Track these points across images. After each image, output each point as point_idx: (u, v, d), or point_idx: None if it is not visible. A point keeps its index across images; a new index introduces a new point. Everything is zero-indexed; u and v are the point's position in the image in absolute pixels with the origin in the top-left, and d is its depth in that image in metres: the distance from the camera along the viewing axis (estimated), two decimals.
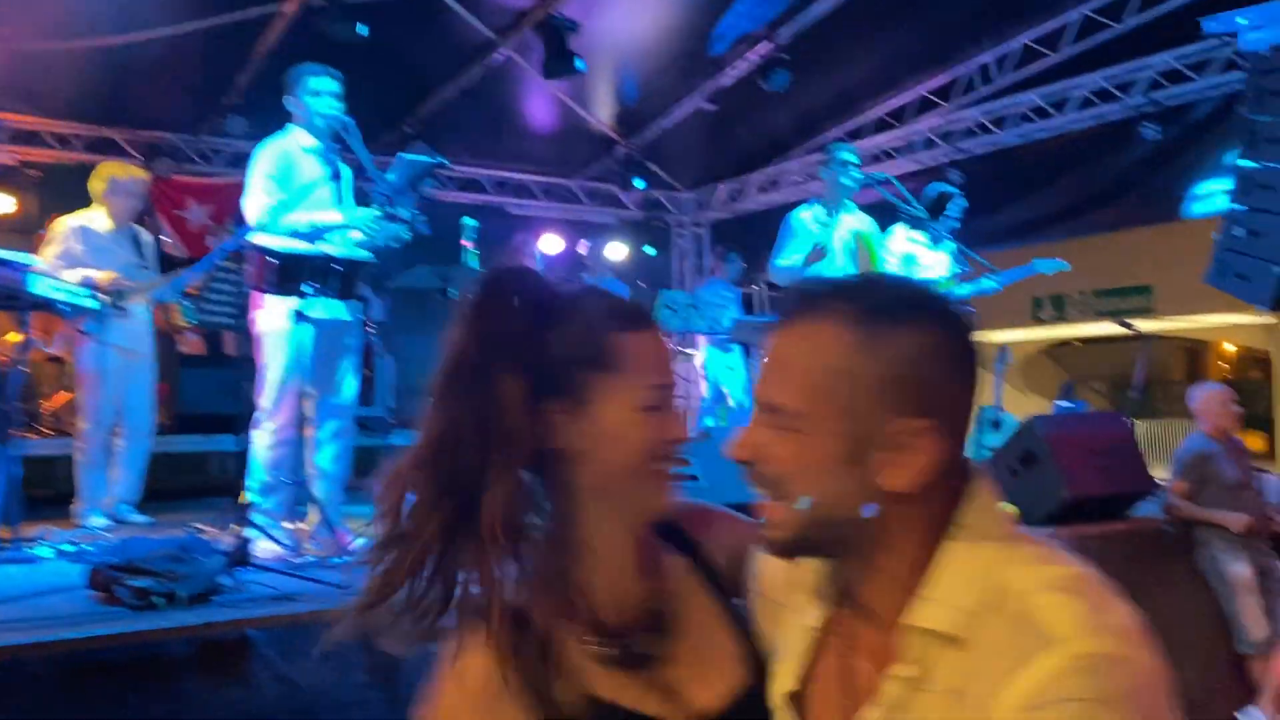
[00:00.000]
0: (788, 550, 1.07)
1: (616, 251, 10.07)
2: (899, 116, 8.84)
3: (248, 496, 3.81)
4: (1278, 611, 4.66)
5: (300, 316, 3.65)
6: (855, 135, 9.17)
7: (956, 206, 5.99)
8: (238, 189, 8.22)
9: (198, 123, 7.99)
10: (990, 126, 8.06)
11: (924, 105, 8.63)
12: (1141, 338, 6.58)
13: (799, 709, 1.10)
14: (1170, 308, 17.43)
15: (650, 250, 10.92)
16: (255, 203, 3.89)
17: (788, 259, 5.39)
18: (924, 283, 1.12)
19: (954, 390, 1.02)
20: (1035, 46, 7.62)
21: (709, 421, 7.63)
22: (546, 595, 1.16)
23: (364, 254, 3.89)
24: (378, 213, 3.75)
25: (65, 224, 4.84)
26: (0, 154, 7.52)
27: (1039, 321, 20.94)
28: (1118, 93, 7.20)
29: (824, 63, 8.22)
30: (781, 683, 1.12)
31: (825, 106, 9.05)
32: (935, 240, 6.11)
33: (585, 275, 8.40)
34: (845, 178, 5.38)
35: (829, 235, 5.38)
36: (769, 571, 1.20)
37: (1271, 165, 5.39)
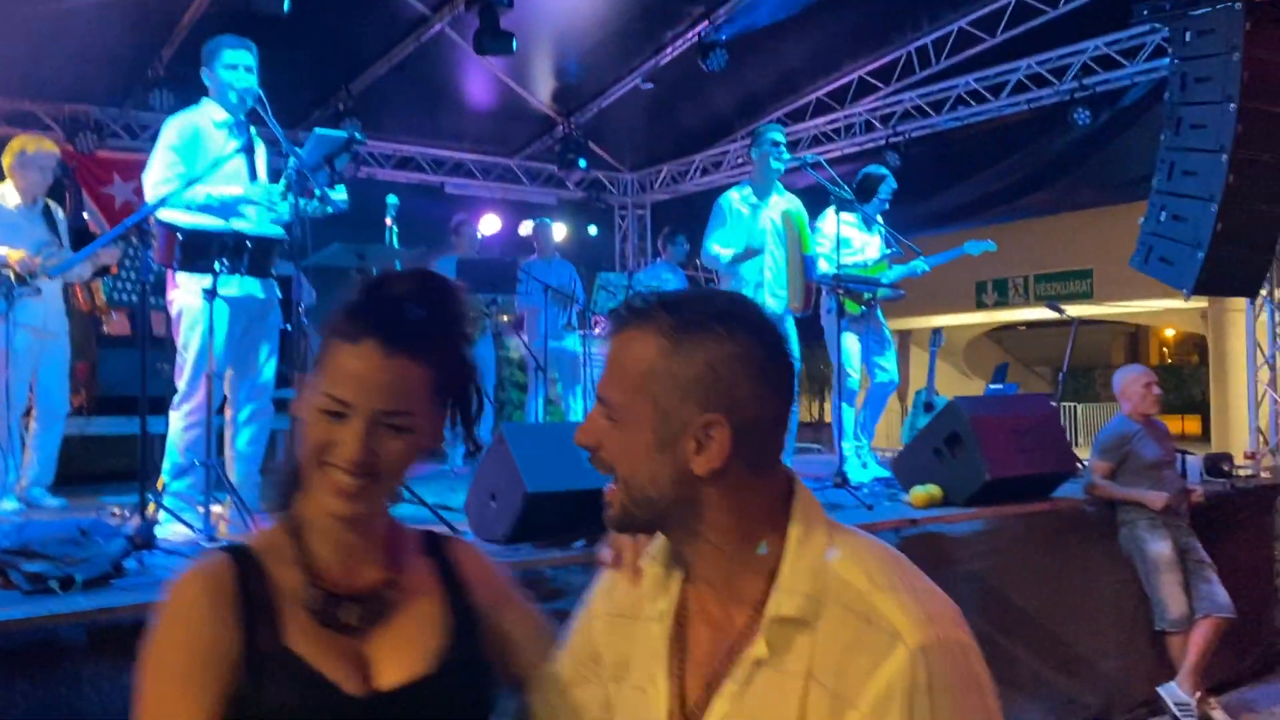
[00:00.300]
0: (619, 525, 1.24)
1: (557, 232, 9.97)
2: (839, 99, 8.85)
3: (163, 478, 3.72)
4: (1197, 589, 4.75)
5: (212, 294, 3.55)
6: (796, 117, 9.20)
7: (887, 189, 6.01)
8: None
9: (123, 96, 7.77)
10: (928, 110, 8.09)
11: (863, 88, 8.66)
12: (1070, 322, 6.65)
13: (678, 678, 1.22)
14: (1109, 293, 17.76)
15: (594, 230, 10.88)
16: (153, 177, 3.78)
17: (719, 247, 5.37)
18: (738, 297, 1.24)
19: (752, 390, 1.16)
20: (972, 30, 7.65)
21: None
22: (277, 544, 1.32)
23: (277, 231, 3.79)
24: (281, 187, 3.65)
25: None
26: None
27: (982, 306, 21.18)
28: (1051, 78, 7.26)
29: (764, 44, 8.22)
30: (646, 665, 1.24)
31: (766, 88, 9.05)
32: (867, 223, 6.13)
33: (536, 256, 8.31)
34: (774, 159, 5.37)
35: (758, 217, 5.37)
36: (616, 591, 1.34)
37: (1196, 150, 5.47)
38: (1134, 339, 29.59)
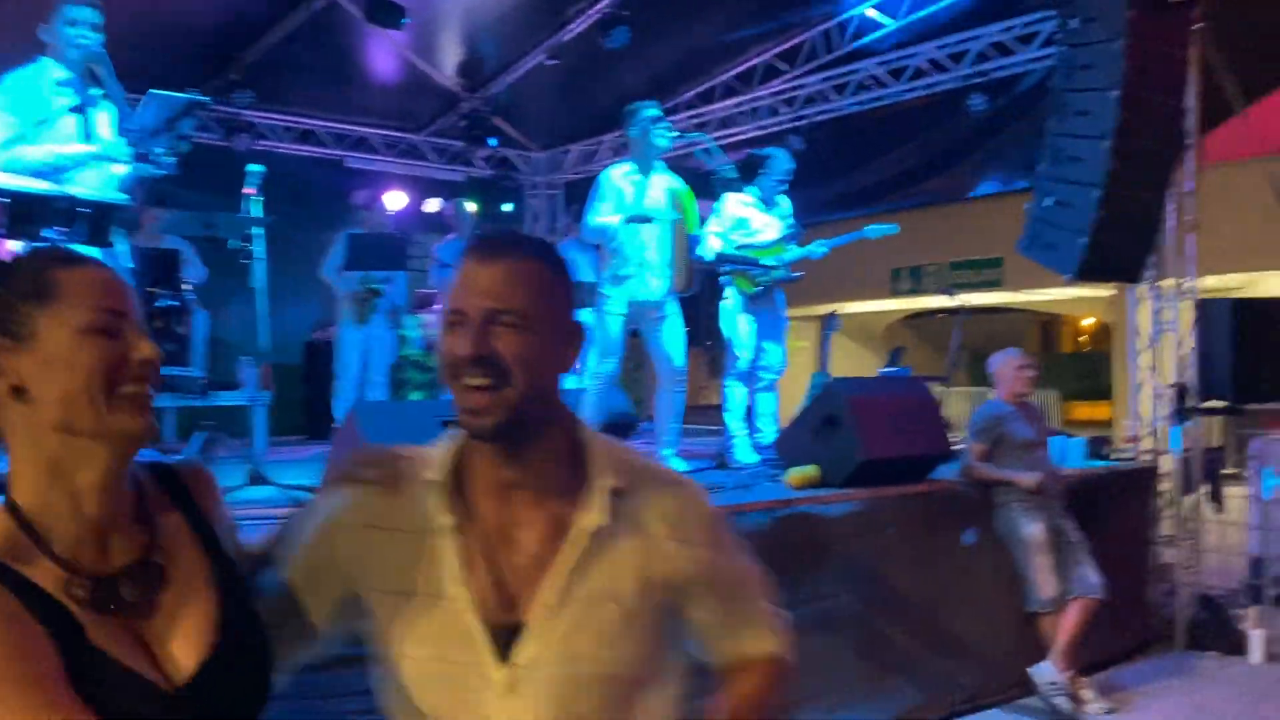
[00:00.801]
0: (502, 431, 1.31)
1: (469, 207, 9.81)
2: (747, 81, 8.83)
3: None
4: (1069, 570, 4.81)
5: None
6: (705, 99, 9.16)
7: (780, 168, 5.97)
8: None
9: None
10: (831, 95, 8.10)
11: (770, 72, 8.64)
12: (960, 310, 6.72)
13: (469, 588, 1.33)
14: (1020, 281, 18.07)
15: (509, 207, 10.74)
16: None
17: (602, 217, 5.28)
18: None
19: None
20: (875, 16, 7.68)
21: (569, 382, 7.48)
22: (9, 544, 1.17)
23: (118, 196, 3.61)
24: (123, 144, 3.47)
25: None
26: None
27: (897, 293, 21.46)
28: (949, 63, 7.30)
29: (672, 25, 8.16)
30: (433, 575, 1.33)
31: (675, 69, 8.99)
32: (767, 204, 6.10)
33: (453, 235, 8.15)
34: (655, 135, 5.28)
35: (642, 195, 5.29)
36: (371, 505, 1.40)
37: (1081, 136, 5.53)
38: (1047, 326, 30.26)
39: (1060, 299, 20.96)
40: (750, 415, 6.12)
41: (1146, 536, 6.00)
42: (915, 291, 20.46)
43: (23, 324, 1.17)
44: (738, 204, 6.03)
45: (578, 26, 7.72)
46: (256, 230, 4.23)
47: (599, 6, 7.39)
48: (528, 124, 9.96)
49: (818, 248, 6.06)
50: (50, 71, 3.74)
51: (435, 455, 1.39)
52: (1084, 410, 24.21)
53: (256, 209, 4.27)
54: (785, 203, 6.19)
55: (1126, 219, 5.55)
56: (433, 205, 9.29)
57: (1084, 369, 22.63)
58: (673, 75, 9.07)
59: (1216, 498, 6.22)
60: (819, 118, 8.20)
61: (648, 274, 5.28)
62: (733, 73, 8.85)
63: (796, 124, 8.20)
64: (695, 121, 9.24)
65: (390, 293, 7.47)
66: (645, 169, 5.35)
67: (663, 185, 5.27)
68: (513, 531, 1.36)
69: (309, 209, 8.59)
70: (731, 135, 8.89)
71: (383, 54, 8.30)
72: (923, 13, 7.38)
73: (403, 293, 7.83)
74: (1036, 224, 5.73)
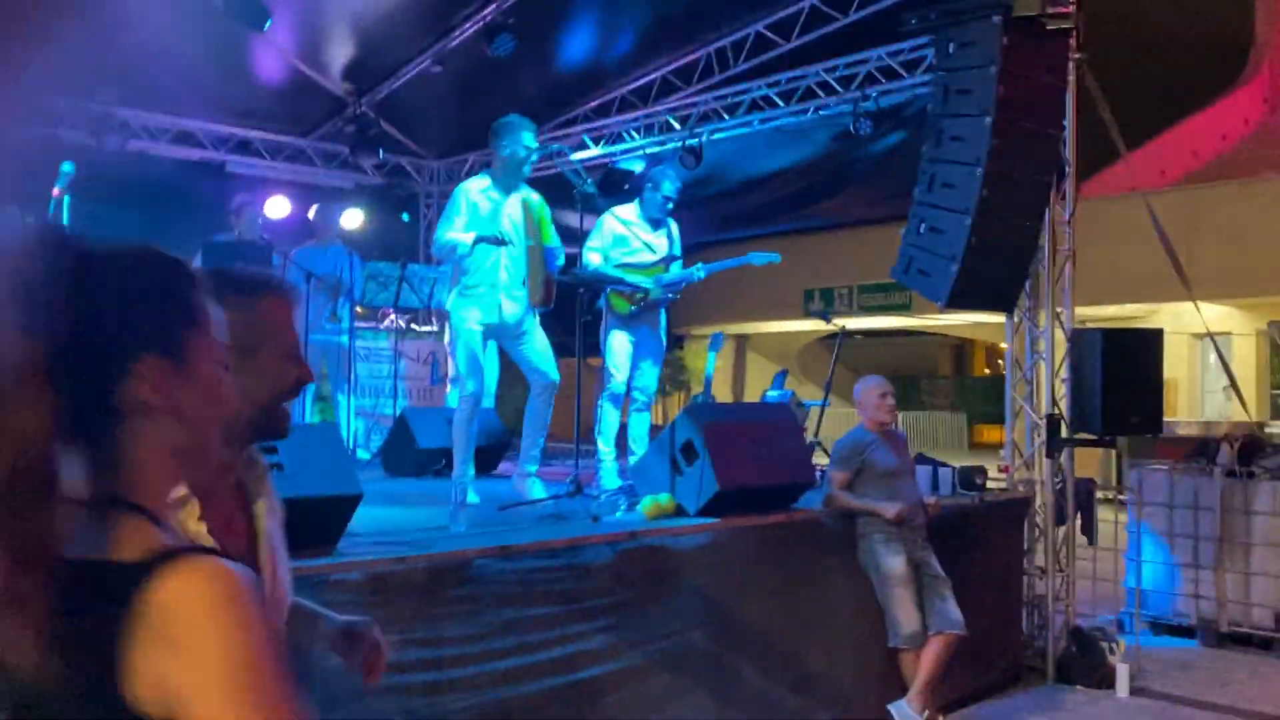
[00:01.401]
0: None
1: (352, 219, 9.49)
2: (643, 97, 8.69)
3: None
4: (931, 605, 4.70)
5: None
6: (602, 112, 9.01)
7: (669, 187, 5.81)
8: None
9: None
10: (723, 113, 8.00)
11: (666, 88, 8.52)
12: (841, 334, 6.65)
13: None
14: (927, 305, 18.26)
15: (405, 217, 10.43)
16: None
17: (453, 234, 5.06)
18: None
19: None
20: (768, 34, 7.60)
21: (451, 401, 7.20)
22: None
23: None
24: None
25: None
26: None
27: (810, 315, 21.50)
28: (838, 86, 7.24)
29: (569, 36, 8.01)
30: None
31: (572, 81, 8.83)
32: (653, 224, 5.94)
33: (314, 241, 7.81)
34: (517, 148, 5.10)
35: (499, 212, 5.09)
36: None
37: (955, 162, 5.46)
38: (960, 350, 30.76)
39: (964, 324, 21.32)
40: (623, 437, 5.94)
41: (1019, 568, 5.94)
42: (828, 313, 20.70)
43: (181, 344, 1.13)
44: (618, 221, 5.86)
45: (464, 33, 7.49)
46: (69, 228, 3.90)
47: (484, 13, 7.17)
48: (423, 132, 9.70)
49: (697, 271, 5.93)
50: None
51: None
52: (993, 434, 24.61)
53: (64, 211, 3.95)
54: (672, 224, 6.03)
55: (999, 247, 5.49)
56: (312, 212, 8.94)
57: (994, 393, 23.02)
58: (570, 87, 8.91)
59: (1088, 529, 6.20)
60: (712, 136, 8.08)
61: (501, 295, 5.07)
62: (629, 87, 8.70)
63: (689, 142, 8.07)
64: (593, 134, 9.08)
65: None
66: (507, 186, 5.15)
67: (519, 202, 5.07)
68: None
69: (189, 214, 8.22)
70: (627, 151, 8.74)
71: (262, 54, 7.97)
72: (815, 34, 7.30)
73: None
74: (910, 250, 5.65)
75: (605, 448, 5.82)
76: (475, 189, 5.17)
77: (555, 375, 5.20)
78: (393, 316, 8.25)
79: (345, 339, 7.12)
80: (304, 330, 7.16)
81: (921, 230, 5.63)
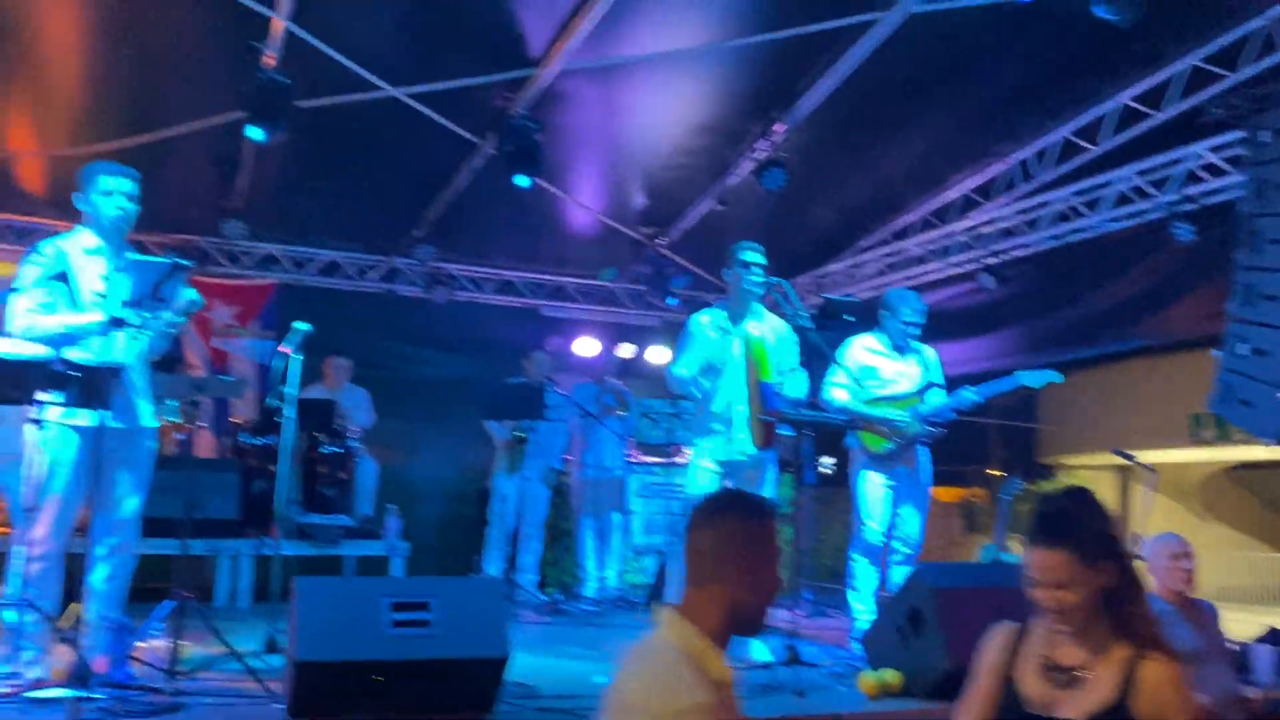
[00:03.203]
0: None
1: (660, 355, 9.65)
2: (943, 216, 8.15)
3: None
4: None
5: (48, 424, 3.49)
6: (901, 235, 8.57)
7: (910, 312, 5.31)
8: (261, 291, 8.43)
9: (207, 227, 8.21)
10: (1025, 228, 7.28)
11: (966, 205, 7.93)
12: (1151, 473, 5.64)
13: None
14: None
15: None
16: (17, 307, 3.74)
17: (679, 368, 4.89)
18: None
19: None
20: (1073, 140, 6.86)
21: None
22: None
23: (116, 358, 3.66)
24: (133, 313, 3.53)
25: None
26: None
27: (1200, 441, 18.91)
28: (1151, 189, 6.32)
29: (864, 158, 7.74)
30: None
31: (868, 205, 8.51)
32: (900, 350, 5.45)
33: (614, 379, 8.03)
34: (747, 281, 4.86)
35: (727, 342, 4.84)
36: None
37: (1277, 270, 4.51)
38: None
39: None
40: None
41: None
42: (1222, 440, 17.94)
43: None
44: (864, 351, 5.42)
45: (740, 170, 7.44)
46: (289, 390, 4.19)
47: (754, 150, 7.09)
48: (716, 267, 9.77)
49: (968, 395, 5.29)
50: (82, 239, 3.93)
51: None
52: None
53: (294, 369, 4.24)
54: (926, 349, 5.50)
55: None
56: (626, 351, 9.20)
57: None
58: (865, 210, 8.59)
59: None
60: (1015, 253, 7.37)
61: (734, 432, 4.79)
62: (929, 208, 8.21)
63: (988, 261, 7.42)
64: (888, 261, 8.63)
65: (544, 444, 7.38)
66: (738, 315, 4.92)
67: (752, 331, 4.81)
68: None
69: (502, 357, 8.75)
70: (923, 275, 8.20)
71: (574, 212, 8.45)
72: (1127, 135, 6.48)
73: (561, 445, 7.73)
74: (1229, 376, 4.68)
75: (860, 606, 5.25)
76: (705, 321, 5.01)
77: None
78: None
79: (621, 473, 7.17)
80: (582, 466, 7.32)
81: (1242, 352, 4.66)
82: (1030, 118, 7.08)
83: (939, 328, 8.02)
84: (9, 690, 3.46)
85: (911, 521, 5.33)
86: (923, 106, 6.92)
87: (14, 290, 3.74)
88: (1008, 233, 7.47)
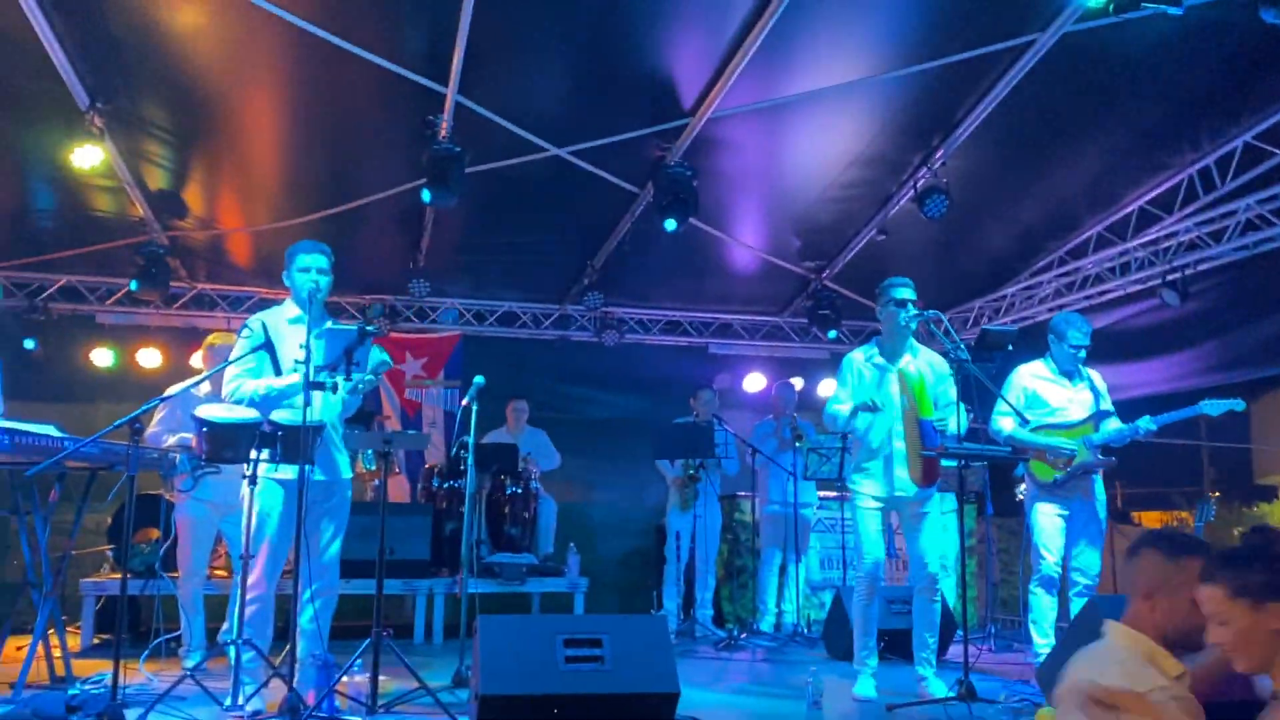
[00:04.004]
0: None
1: (830, 388, 9.64)
2: (1119, 233, 7.85)
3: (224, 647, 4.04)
4: None
5: (251, 480, 3.90)
6: (1077, 254, 8.29)
7: (1077, 336, 5.18)
8: (447, 343, 8.95)
9: (405, 284, 8.79)
10: (1209, 240, 6.93)
11: (1144, 219, 7.62)
12: None
13: None
14: None
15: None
16: (228, 374, 4.19)
17: (836, 404, 4.93)
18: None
19: None
20: (1257, 144, 6.52)
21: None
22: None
23: (316, 418, 4.02)
24: (326, 376, 3.90)
25: (170, 392, 5.48)
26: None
27: None
28: None
29: (1031, 179, 7.57)
30: None
31: (1041, 225, 8.28)
32: (1069, 375, 5.31)
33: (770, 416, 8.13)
34: (901, 317, 4.86)
35: (885, 380, 4.84)
36: None
37: None
38: None
39: None
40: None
41: None
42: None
43: None
44: (1031, 378, 5.31)
45: (901, 200, 7.42)
46: (469, 439, 4.49)
47: (916, 178, 7.06)
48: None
49: (1146, 424, 5.11)
50: (287, 310, 4.37)
51: None
52: None
53: (472, 420, 4.54)
54: (1094, 375, 5.34)
55: None
56: (796, 384, 9.26)
57: None
58: (1039, 232, 8.36)
59: None
60: (1197, 267, 7.03)
61: (895, 469, 4.79)
62: (1103, 224, 7.93)
63: (1170, 276, 7.10)
64: (1066, 280, 8.37)
65: (715, 481, 7.51)
66: (892, 351, 4.93)
67: (905, 366, 4.81)
68: None
69: (673, 395, 8.96)
70: (1102, 294, 7.92)
71: (738, 253, 8.61)
72: None
73: (733, 483, 7.86)
74: None
75: (1041, 640, 5.12)
76: (860, 359, 5.03)
77: (933, 568, 4.78)
78: None
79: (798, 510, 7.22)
80: (767, 501, 7.41)
81: None
82: (1207, 125, 6.77)
83: (1120, 348, 7.73)
84: None
85: (1090, 553, 5.16)
86: (1089, 122, 6.73)
87: (228, 362, 4.20)
88: (1190, 246, 7.14)
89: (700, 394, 7.86)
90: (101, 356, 8.61)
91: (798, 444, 7.30)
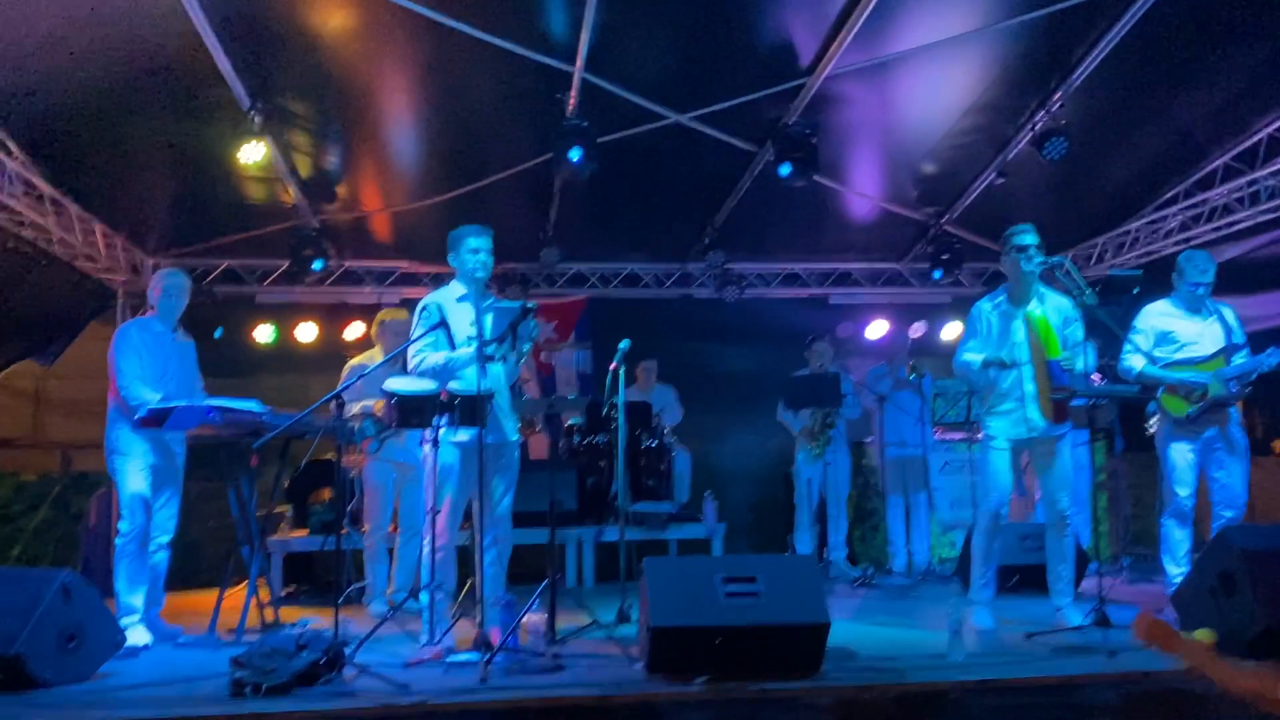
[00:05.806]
0: None
1: (954, 331, 9.73)
2: (1248, 161, 7.71)
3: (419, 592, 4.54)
4: None
5: (434, 444, 4.35)
6: (1204, 185, 8.17)
7: (1194, 273, 5.24)
8: (575, 307, 9.37)
9: (536, 252, 9.22)
10: None
11: (1276, 146, 7.46)
12: None
13: None
14: None
15: None
16: (410, 351, 4.63)
17: (966, 353, 5.11)
18: None
19: None
20: None
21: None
22: None
23: (488, 386, 4.43)
24: (494, 347, 4.31)
25: (348, 365, 6.01)
26: (390, 295, 9.30)
27: None
28: None
29: (1153, 113, 7.50)
30: None
31: (1165, 158, 8.18)
32: (1196, 311, 5.39)
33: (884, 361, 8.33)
34: (1025, 264, 5.00)
35: (1010, 327, 5.01)
36: None
37: None
38: None
39: None
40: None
41: None
42: None
43: None
44: (1159, 316, 5.41)
45: (1020, 143, 7.46)
46: (618, 399, 4.85)
47: (1036, 122, 7.08)
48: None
49: (1272, 357, 5.16)
50: (455, 289, 4.79)
51: None
52: None
53: (620, 381, 4.90)
54: (1224, 310, 5.39)
55: None
56: (917, 330, 9.37)
57: None
58: (1164, 166, 8.26)
59: None
60: None
61: (1026, 410, 4.97)
62: (1231, 154, 7.80)
63: None
64: (1193, 213, 8.26)
65: (841, 428, 7.76)
66: (1019, 297, 5.08)
67: (1024, 316, 4.97)
68: None
69: (795, 347, 9.21)
70: (1231, 225, 7.81)
71: (856, 202, 8.74)
72: None
73: (858, 428, 8.10)
74: None
75: (1175, 570, 5.27)
76: (987, 308, 5.20)
77: (1063, 505, 4.95)
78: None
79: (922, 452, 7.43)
80: (884, 445, 7.63)
81: None
82: None
83: (1252, 278, 7.62)
84: (432, 655, 4.34)
85: (1230, 483, 5.26)
86: (1213, 52, 6.64)
87: (411, 341, 4.66)
88: None
89: (815, 345, 8.06)
90: (263, 333, 9.31)
91: (914, 377, 7.50)
